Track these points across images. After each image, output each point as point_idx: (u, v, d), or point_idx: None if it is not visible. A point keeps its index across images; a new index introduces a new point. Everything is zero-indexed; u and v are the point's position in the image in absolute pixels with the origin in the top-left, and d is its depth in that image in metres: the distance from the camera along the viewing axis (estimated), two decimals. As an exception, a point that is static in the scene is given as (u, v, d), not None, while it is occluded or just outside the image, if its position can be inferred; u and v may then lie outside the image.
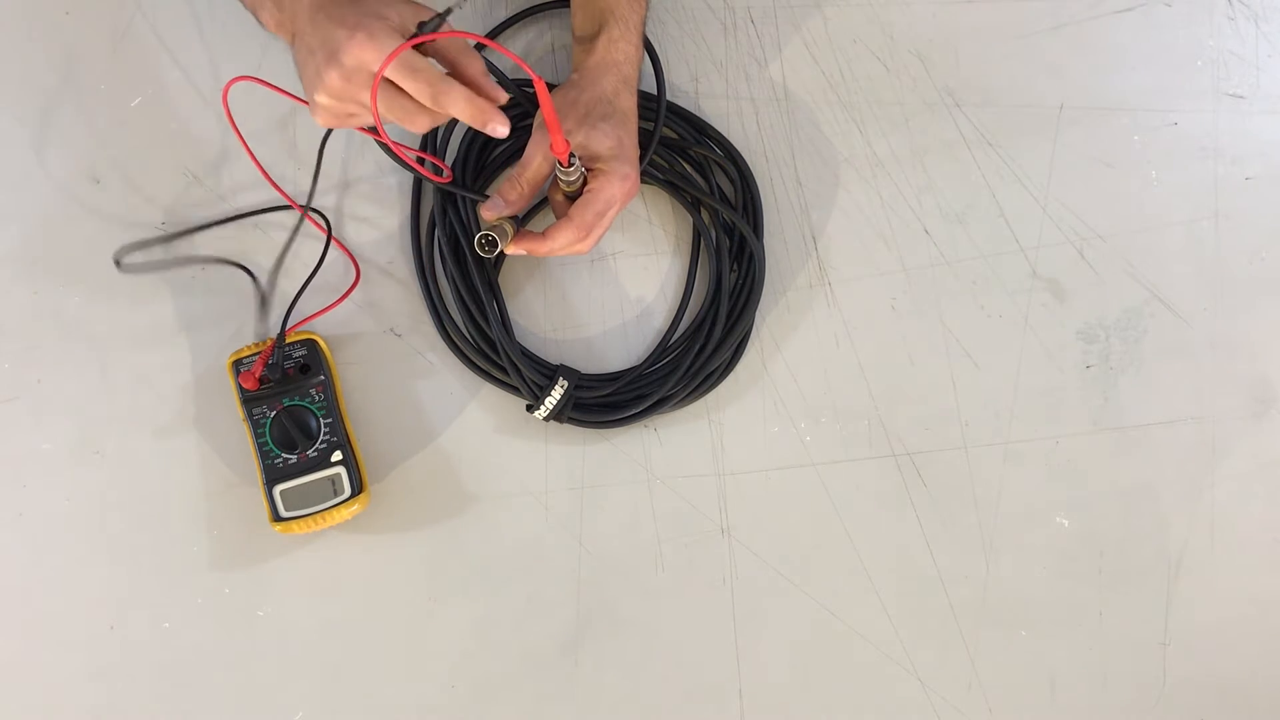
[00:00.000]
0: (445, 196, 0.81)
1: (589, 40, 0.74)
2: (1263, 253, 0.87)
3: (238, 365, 0.75)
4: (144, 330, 0.79)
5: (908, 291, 0.84)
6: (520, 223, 0.78)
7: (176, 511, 0.77)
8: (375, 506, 0.78)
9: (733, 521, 0.80)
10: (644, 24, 0.76)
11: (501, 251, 0.70)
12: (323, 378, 0.76)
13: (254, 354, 0.76)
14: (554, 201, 0.74)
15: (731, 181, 0.84)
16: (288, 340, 0.76)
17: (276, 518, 0.74)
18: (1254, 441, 0.83)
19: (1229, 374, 0.84)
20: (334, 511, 0.74)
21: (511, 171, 0.72)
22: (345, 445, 0.75)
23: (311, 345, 0.77)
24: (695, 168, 0.83)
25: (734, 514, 0.80)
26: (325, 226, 0.79)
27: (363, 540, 0.78)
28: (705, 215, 0.83)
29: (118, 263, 0.77)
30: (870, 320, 0.83)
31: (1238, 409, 0.84)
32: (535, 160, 0.71)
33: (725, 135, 0.85)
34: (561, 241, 0.71)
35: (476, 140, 0.82)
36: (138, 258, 0.79)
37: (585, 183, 0.71)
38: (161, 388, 0.78)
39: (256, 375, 0.74)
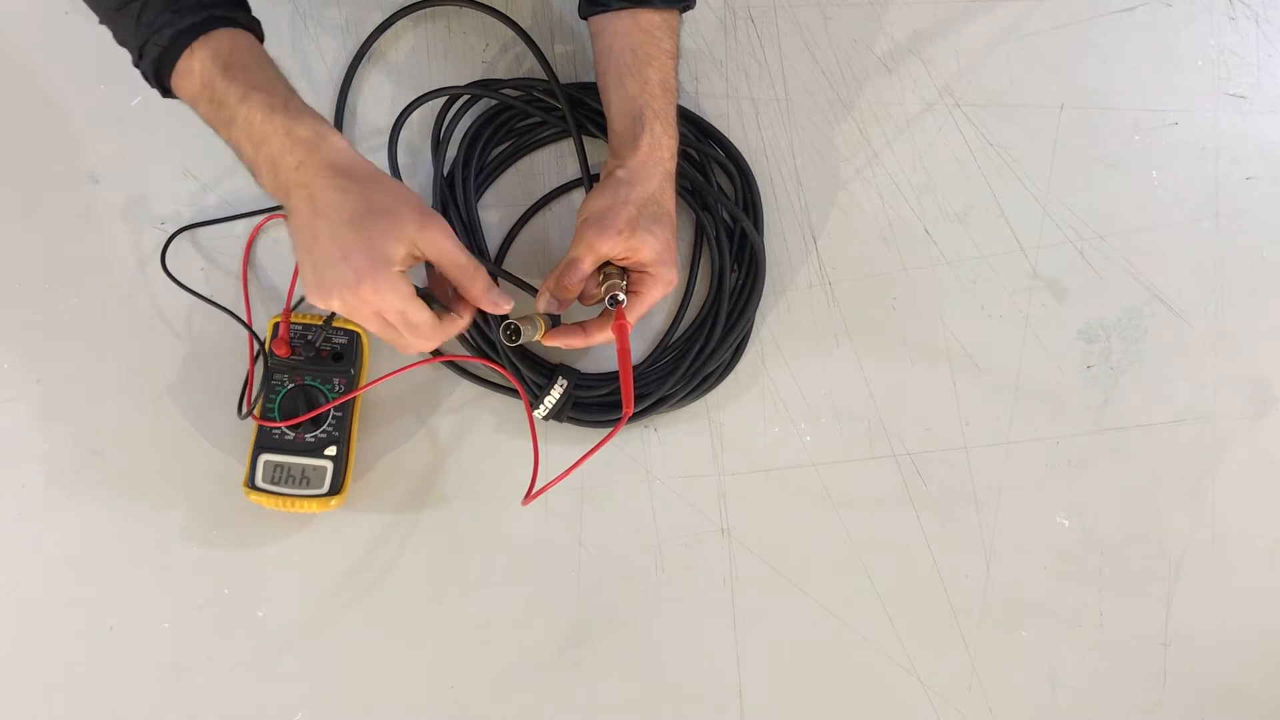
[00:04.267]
0: (445, 198, 0.81)
1: (631, 137, 0.73)
2: (1263, 253, 0.87)
3: (277, 327, 0.76)
4: (144, 330, 0.79)
5: (908, 291, 0.84)
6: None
7: (176, 511, 0.77)
8: (375, 507, 0.78)
9: (733, 521, 0.79)
10: (677, 114, 0.76)
11: (519, 343, 0.71)
12: (352, 372, 0.76)
13: (299, 323, 0.77)
14: (586, 301, 0.74)
15: (732, 181, 0.84)
16: (334, 324, 0.77)
17: (251, 484, 0.74)
18: (1254, 441, 0.83)
19: (1229, 374, 0.84)
20: (306, 501, 0.74)
21: (560, 271, 0.71)
22: (343, 444, 0.75)
23: (354, 337, 0.77)
24: (696, 167, 0.83)
25: (734, 514, 0.80)
26: None
27: (362, 540, 0.77)
28: (707, 214, 0.83)
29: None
30: (870, 320, 0.83)
31: (1238, 409, 0.84)
32: (585, 265, 0.70)
33: (725, 135, 0.85)
34: (602, 339, 0.73)
35: (477, 141, 0.82)
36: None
37: (629, 286, 0.72)
38: (161, 388, 0.78)
39: (287, 341, 0.75)
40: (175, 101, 0.83)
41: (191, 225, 0.81)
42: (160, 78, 0.65)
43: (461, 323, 0.67)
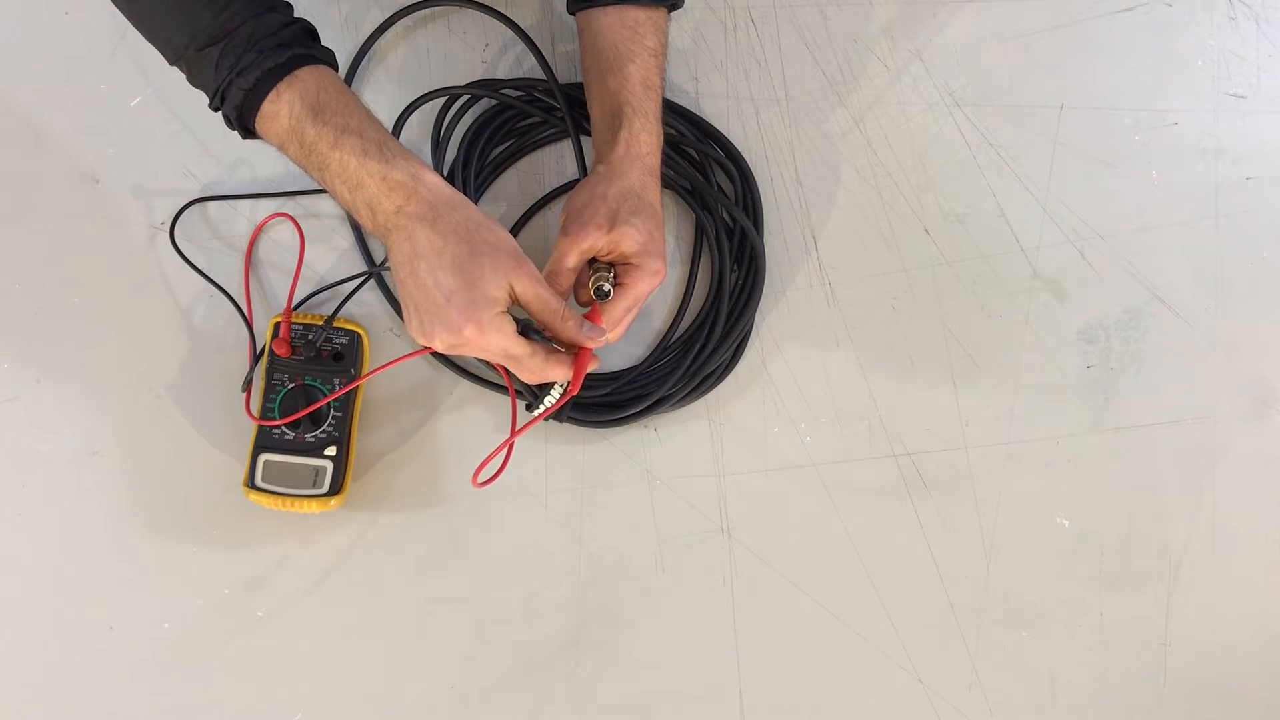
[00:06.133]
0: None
1: (610, 133, 0.73)
2: (1263, 253, 0.87)
3: (278, 327, 0.76)
4: (144, 330, 0.79)
5: (908, 291, 0.84)
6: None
7: (176, 512, 0.77)
8: (375, 507, 0.78)
9: (733, 521, 0.79)
10: (661, 111, 0.75)
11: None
12: (352, 371, 0.76)
13: (300, 323, 0.77)
14: (580, 298, 0.74)
15: (732, 181, 0.84)
16: (335, 324, 0.77)
17: (250, 483, 0.74)
18: (1254, 441, 0.83)
19: (1229, 374, 0.84)
20: (306, 501, 0.74)
21: (546, 271, 0.70)
22: (343, 444, 0.75)
23: (354, 338, 0.77)
24: (696, 167, 0.83)
25: (734, 514, 0.80)
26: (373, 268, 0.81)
27: (362, 540, 0.77)
28: (707, 214, 0.83)
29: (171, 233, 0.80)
30: (870, 320, 0.83)
31: (1238, 409, 0.84)
32: (569, 261, 0.70)
33: (725, 135, 0.85)
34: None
35: (477, 140, 0.82)
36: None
37: (616, 279, 0.71)
38: (161, 388, 0.78)
39: (288, 341, 0.75)
40: (177, 101, 0.84)
41: (203, 199, 0.81)
42: (243, 120, 0.64)
43: (558, 370, 0.66)
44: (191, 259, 0.79)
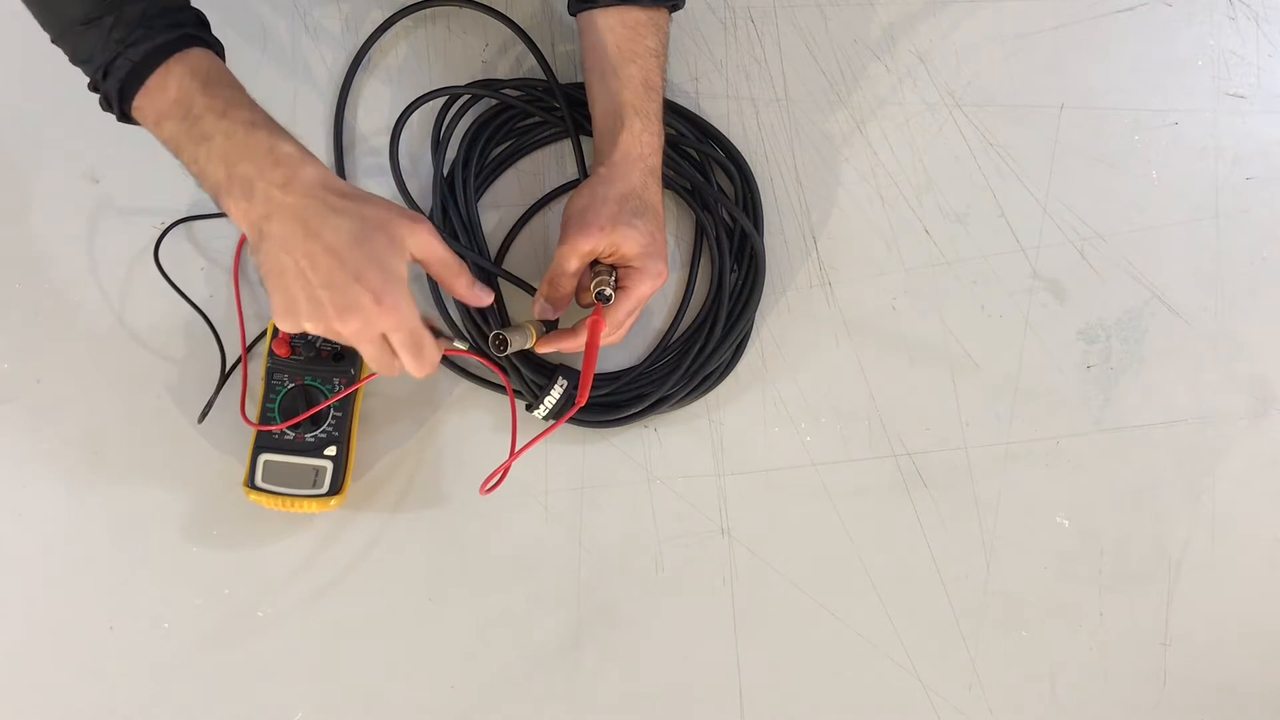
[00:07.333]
0: (445, 197, 0.81)
1: (610, 134, 0.73)
2: (1263, 253, 0.87)
3: (277, 329, 0.76)
4: (144, 330, 0.79)
5: (908, 291, 0.84)
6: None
7: (176, 511, 0.77)
8: (375, 507, 0.78)
9: (733, 521, 0.79)
10: (662, 112, 0.75)
11: (509, 353, 0.72)
12: (352, 371, 0.76)
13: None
14: (581, 301, 0.74)
15: (732, 181, 0.84)
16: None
17: (250, 483, 0.74)
18: (1254, 441, 0.83)
19: (1229, 374, 0.84)
20: (305, 501, 0.74)
21: (548, 274, 0.71)
22: (343, 444, 0.75)
23: None
24: (696, 167, 0.83)
25: (734, 514, 0.80)
26: None
27: (362, 540, 0.78)
28: (707, 214, 0.83)
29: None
30: (870, 320, 0.83)
31: (1238, 409, 0.84)
32: (570, 264, 0.70)
33: (725, 135, 0.85)
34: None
35: (477, 140, 0.82)
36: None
37: (617, 282, 0.71)
38: (161, 388, 0.78)
39: (288, 341, 0.75)
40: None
41: (188, 218, 0.81)
42: (124, 96, 0.62)
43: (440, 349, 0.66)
44: (192, 258, 0.79)
